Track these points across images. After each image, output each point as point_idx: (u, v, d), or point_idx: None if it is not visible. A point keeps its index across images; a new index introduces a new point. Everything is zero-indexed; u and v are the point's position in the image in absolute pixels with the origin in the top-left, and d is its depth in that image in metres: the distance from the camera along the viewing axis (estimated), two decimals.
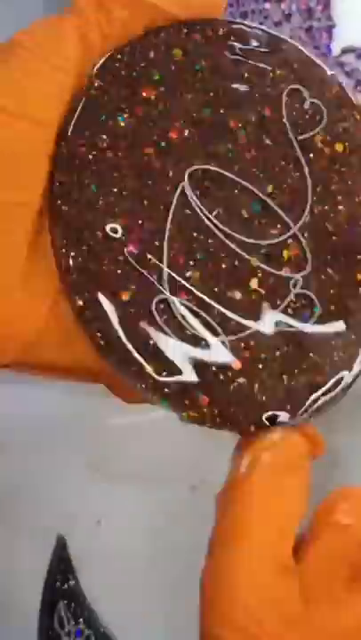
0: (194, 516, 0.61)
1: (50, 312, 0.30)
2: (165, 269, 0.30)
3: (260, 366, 0.31)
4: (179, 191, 0.31)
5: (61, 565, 0.57)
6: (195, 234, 0.31)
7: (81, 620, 0.56)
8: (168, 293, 0.30)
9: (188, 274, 0.30)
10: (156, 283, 0.30)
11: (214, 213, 0.31)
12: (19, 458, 0.59)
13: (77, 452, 0.59)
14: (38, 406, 0.60)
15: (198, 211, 0.31)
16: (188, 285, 0.30)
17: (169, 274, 0.30)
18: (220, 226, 0.31)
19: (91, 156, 0.30)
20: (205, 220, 0.31)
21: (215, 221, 0.31)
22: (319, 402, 0.31)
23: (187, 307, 0.30)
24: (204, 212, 0.31)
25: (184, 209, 0.31)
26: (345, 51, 0.55)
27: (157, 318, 0.30)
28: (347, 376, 0.32)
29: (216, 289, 0.31)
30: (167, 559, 0.58)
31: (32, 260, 0.29)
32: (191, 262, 0.31)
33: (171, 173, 0.31)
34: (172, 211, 0.31)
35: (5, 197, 0.28)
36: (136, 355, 0.30)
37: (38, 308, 0.30)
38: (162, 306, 0.30)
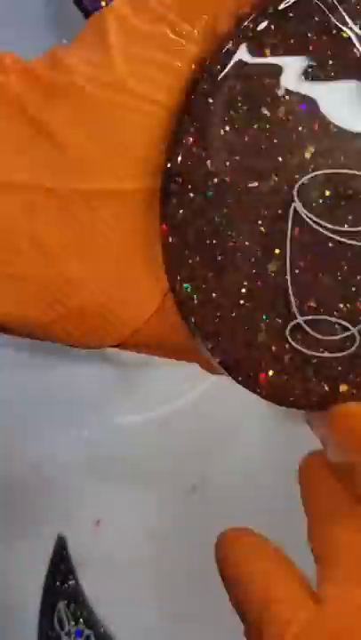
0: (194, 515, 0.61)
1: (162, 303, 0.30)
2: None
3: None
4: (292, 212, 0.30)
5: (61, 565, 0.57)
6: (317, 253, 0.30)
7: (81, 620, 0.56)
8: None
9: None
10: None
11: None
12: (18, 458, 0.59)
13: (78, 451, 0.59)
14: (38, 407, 0.60)
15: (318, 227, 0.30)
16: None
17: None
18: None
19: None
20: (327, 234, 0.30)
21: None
22: None
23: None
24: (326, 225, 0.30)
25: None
26: None
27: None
28: None
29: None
30: (167, 558, 0.58)
31: (150, 247, 0.30)
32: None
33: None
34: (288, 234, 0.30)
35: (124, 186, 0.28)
36: None
37: (155, 297, 0.30)
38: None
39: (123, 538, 0.58)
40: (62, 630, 0.56)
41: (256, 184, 0.30)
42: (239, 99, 0.29)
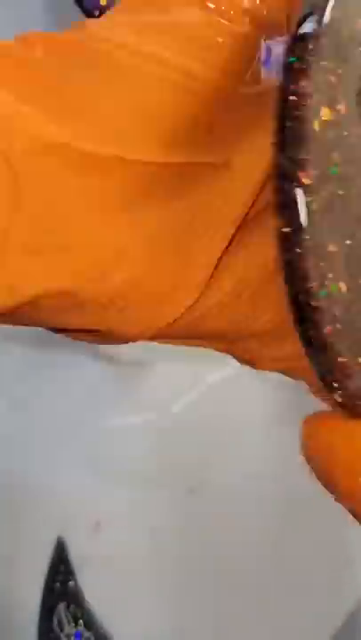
0: (193, 516, 0.61)
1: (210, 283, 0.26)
2: None
3: None
4: None
5: (61, 567, 0.57)
6: None
7: (80, 621, 0.56)
8: None
9: None
10: None
11: None
12: (18, 458, 0.59)
13: (77, 452, 0.59)
14: (38, 407, 0.60)
15: None
16: None
17: None
18: None
19: None
20: None
21: None
22: None
23: None
24: None
25: None
26: None
27: None
28: None
29: None
30: (166, 560, 0.58)
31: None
32: None
33: None
34: None
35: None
36: None
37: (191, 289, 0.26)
38: None
39: (122, 539, 0.58)
40: (62, 632, 0.56)
41: None
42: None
